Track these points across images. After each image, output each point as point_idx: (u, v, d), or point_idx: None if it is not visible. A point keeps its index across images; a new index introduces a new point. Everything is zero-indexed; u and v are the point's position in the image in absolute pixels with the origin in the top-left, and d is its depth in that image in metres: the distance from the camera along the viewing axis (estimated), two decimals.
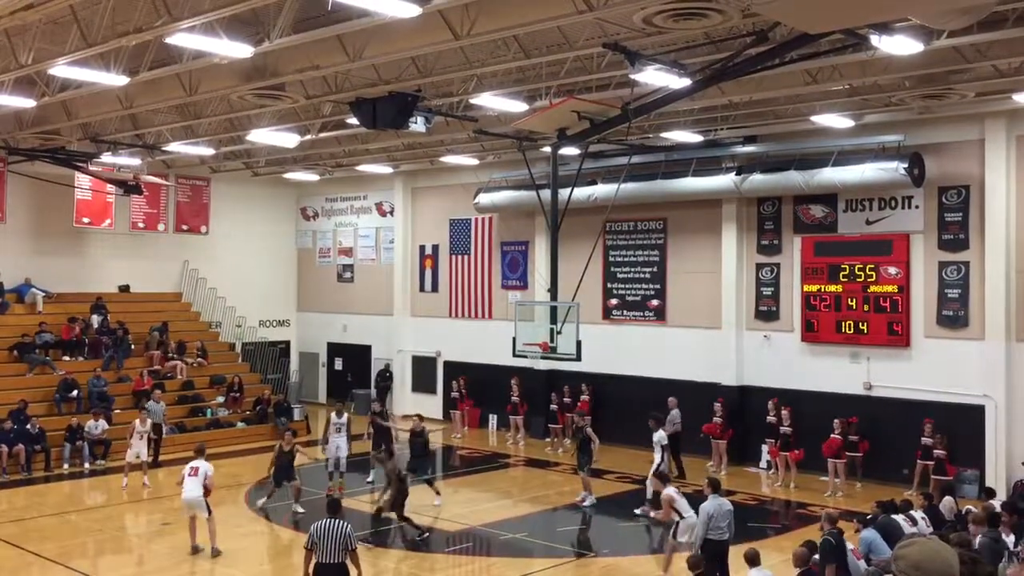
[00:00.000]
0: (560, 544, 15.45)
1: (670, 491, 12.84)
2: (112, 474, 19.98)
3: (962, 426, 18.07)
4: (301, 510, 16.52)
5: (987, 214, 18.10)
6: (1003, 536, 11.15)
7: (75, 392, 22.42)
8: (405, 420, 19.51)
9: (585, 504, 17.35)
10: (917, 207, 19.09)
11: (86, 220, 26.23)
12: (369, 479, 19.22)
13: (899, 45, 12.09)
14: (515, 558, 14.60)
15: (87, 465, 20.73)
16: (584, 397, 23.12)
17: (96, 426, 21.05)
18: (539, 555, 14.91)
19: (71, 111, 18.57)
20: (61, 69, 14.02)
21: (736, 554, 11.16)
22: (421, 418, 18.76)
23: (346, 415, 19.00)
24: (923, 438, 17.90)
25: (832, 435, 18.48)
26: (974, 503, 14.60)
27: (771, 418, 19.53)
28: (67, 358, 24.01)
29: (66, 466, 20.58)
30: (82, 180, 24.99)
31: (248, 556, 14.64)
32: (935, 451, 17.65)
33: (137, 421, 19.58)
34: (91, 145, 21.64)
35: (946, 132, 18.65)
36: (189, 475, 14.31)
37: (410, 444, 17.74)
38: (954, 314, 18.64)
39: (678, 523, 12.50)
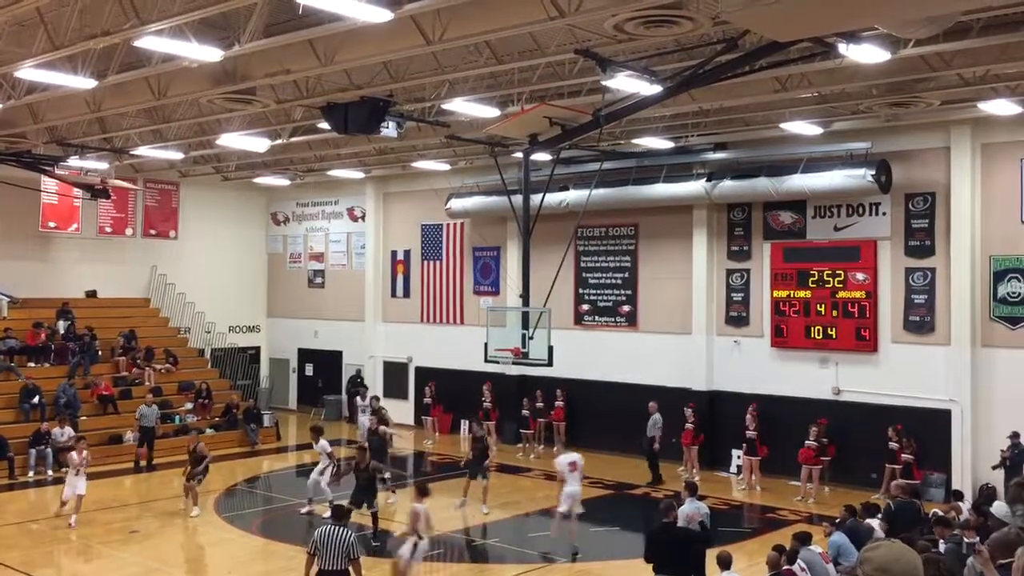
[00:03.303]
0: (532, 550, 15.44)
1: (419, 507, 12.46)
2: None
3: (929, 430, 18.27)
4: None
5: (953, 221, 18.34)
6: (965, 539, 11.26)
7: (36, 399, 22.05)
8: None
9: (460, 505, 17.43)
10: (884, 214, 19.32)
11: (52, 224, 25.92)
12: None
13: (866, 53, 12.24)
14: (487, 564, 14.58)
15: (50, 472, 20.42)
16: (559, 403, 23.15)
17: (62, 433, 20.79)
18: (511, 561, 14.92)
19: (37, 114, 18.32)
20: (27, 71, 13.83)
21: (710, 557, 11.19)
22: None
23: (369, 397, 22.68)
24: (890, 442, 18.09)
25: (807, 441, 18.59)
26: (940, 507, 14.75)
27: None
28: (32, 364, 23.67)
29: (31, 474, 20.29)
30: (48, 184, 24.65)
31: (217, 564, 14.50)
32: (903, 455, 17.83)
33: (74, 454, 16.81)
34: (58, 148, 21.37)
35: (913, 140, 18.89)
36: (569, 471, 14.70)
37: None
38: (920, 320, 18.87)
39: None
